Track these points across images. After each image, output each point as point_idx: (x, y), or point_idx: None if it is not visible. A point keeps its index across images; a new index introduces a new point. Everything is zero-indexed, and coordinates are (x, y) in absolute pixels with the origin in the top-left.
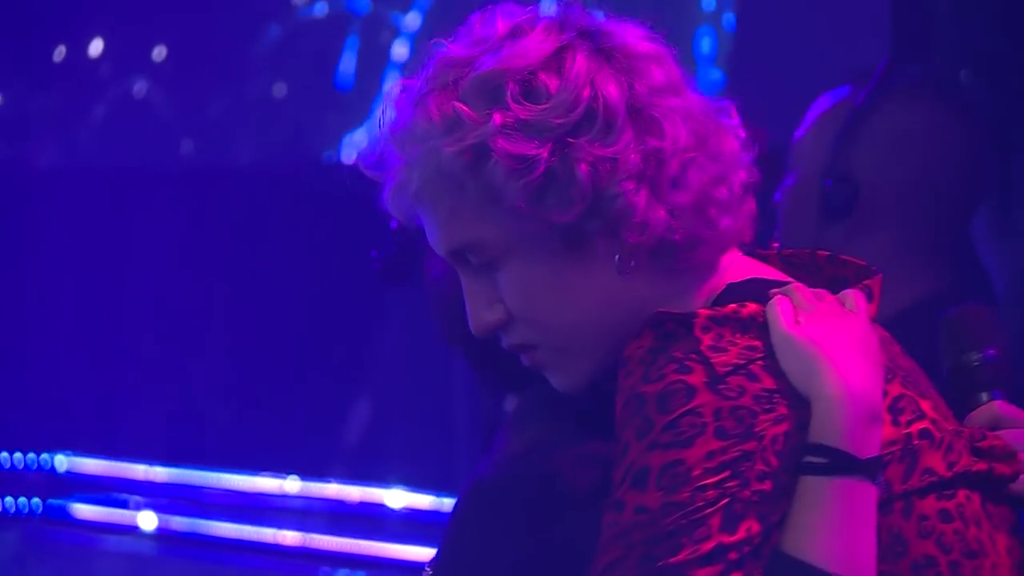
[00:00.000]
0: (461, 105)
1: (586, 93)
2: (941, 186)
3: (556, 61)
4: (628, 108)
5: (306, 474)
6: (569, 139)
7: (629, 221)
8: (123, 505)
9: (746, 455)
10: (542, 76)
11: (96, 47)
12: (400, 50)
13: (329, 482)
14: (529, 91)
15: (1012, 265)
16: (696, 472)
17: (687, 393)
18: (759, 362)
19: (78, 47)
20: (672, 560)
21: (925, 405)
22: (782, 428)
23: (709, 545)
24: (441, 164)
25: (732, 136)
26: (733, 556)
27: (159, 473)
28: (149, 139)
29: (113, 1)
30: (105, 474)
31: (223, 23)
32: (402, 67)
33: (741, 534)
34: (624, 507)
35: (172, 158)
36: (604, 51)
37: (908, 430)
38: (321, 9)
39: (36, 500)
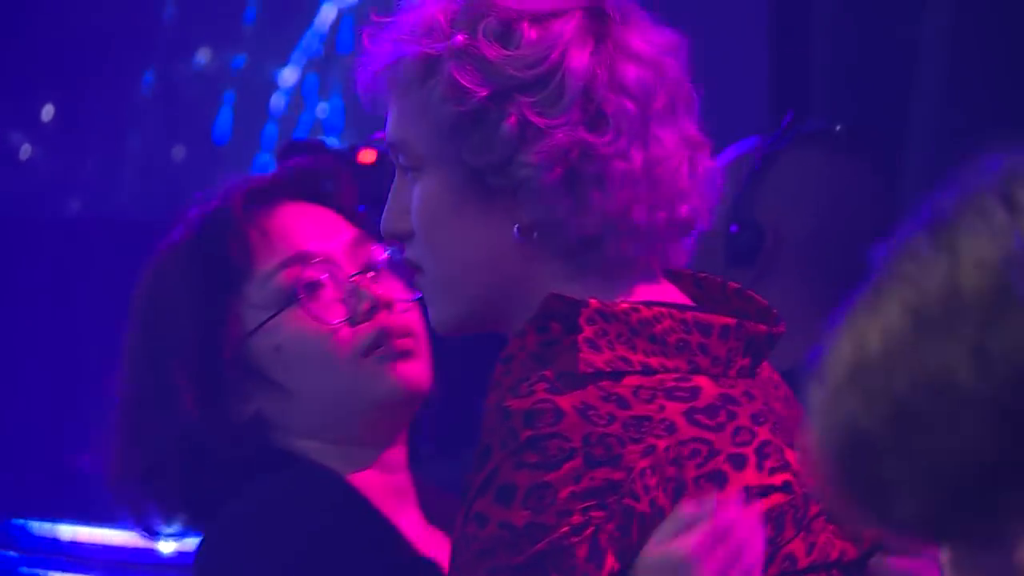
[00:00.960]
0: (441, 17)
1: (553, 57)
2: (843, 233)
3: (547, 17)
4: (584, 91)
5: None
6: (515, 93)
7: (530, 195)
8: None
9: (612, 485)
10: (524, 25)
11: None
12: (278, 103)
13: None
14: (504, 33)
15: None
16: (562, 495)
17: (555, 414)
18: (628, 378)
19: None
20: None
21: (791, 455)
22: (648, 461)
23: None
24: (402, 60)
25: (693, 172)
26: None
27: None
28: (32, 194)
29: None
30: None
31: (103, 79)
32: (278, 120)
33: (605, 570)
34: (487, 521)
35: (55, 212)
36: (600, 31)
37: (771, 480)
38: (199, 64)
39: None
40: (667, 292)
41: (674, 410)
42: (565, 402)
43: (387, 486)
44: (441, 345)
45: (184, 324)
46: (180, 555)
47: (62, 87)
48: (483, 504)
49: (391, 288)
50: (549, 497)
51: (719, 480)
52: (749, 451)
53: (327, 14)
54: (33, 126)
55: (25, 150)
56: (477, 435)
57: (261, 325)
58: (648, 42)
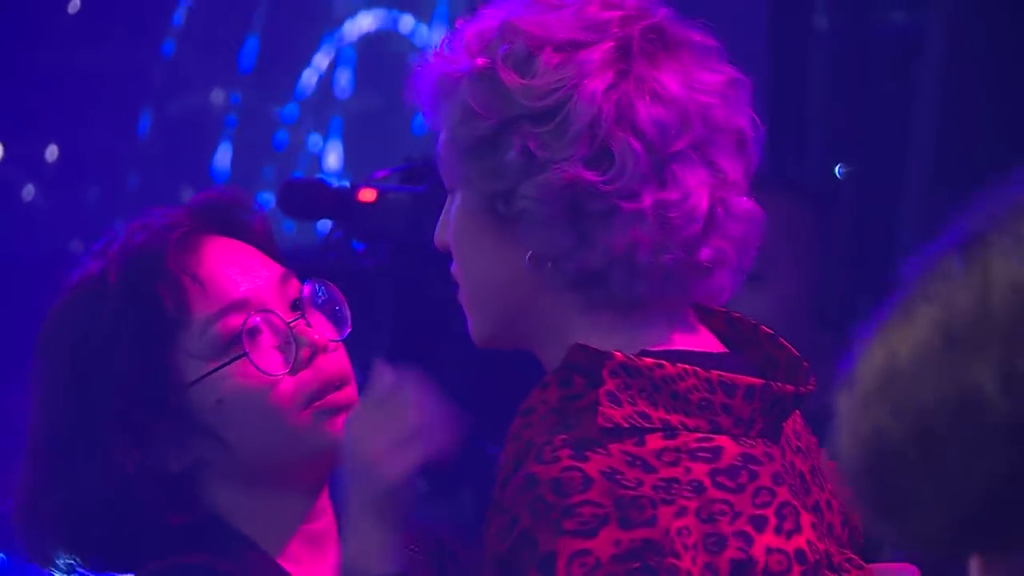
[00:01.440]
0: (474, 38)
1: (564, 90)
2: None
3: (574, 47)
4: (589, 127)
5: None
6: (523, 123)
7: (531, 227)
8: None
9: (652, 545)
10: (547, 52)
11: None
12: (279, 141)
13: None
14: (526, 59)
15: None
16: (605, 560)
17: (584, 481)
18: (651, 441)
19: None
20: None
21: (805, 520)
22: (683, 521)
23: None
24: (440, 76)
25: (727, 213)
26: None
27: None
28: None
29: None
30: None
31: (102, 117)
32: (278, 158)
33: None
34: None
35: (58, 251)
36: (626, 66)
37: (788, 544)
38: (199, 101)
39: None
40: (694, 336)
41: (699, 471)
42: (592, 468)
43: (309, 536)
44: (443, 383)
45: (119, 372)
46: None
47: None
48: (526, 572)
49: (321, 328)
50: (592, 563)
51: (745, 540)
52: (769, 512)
53: (321, 60)
54: (37, 166)
55: (28, 191)
56: (474, 476)
57: (204, 377)
58: (686, 80)
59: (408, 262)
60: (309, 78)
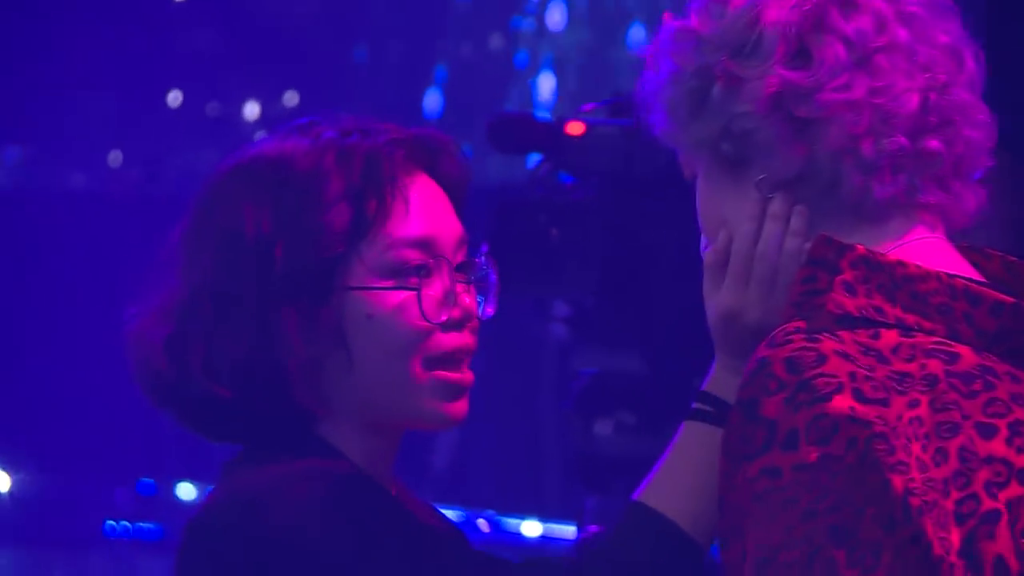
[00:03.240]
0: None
1: (752, 15)
2: None
3: None
4: (784, 37)
5: None
6: (721, 57)
7: (756, 149)
8: None
9: (883, 419)
10: None
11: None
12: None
13: None
14: (718, 6)
15: None
16: (841, 422)
17: (818, 358)
18: (886, 336)
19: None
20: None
21: None
22: (916, 412)
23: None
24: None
25: (947, 102)
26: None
27: None
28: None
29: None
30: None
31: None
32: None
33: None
34: (779, 472)
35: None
36: None
37: (1019, 458)
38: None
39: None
40: (949, 258)
41: (934, 367)
42: (825, 347)
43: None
44: (646, 323)
45: (302, 242)
46: None
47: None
48: (769, 458)
49: (473, 302)
50: (828, 428)
51: (967, 447)
52: (1002, 424)
53: None
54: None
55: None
56: (681, 413)
57: (368, 289)
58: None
59: (617, 196)
60: (523, 14)
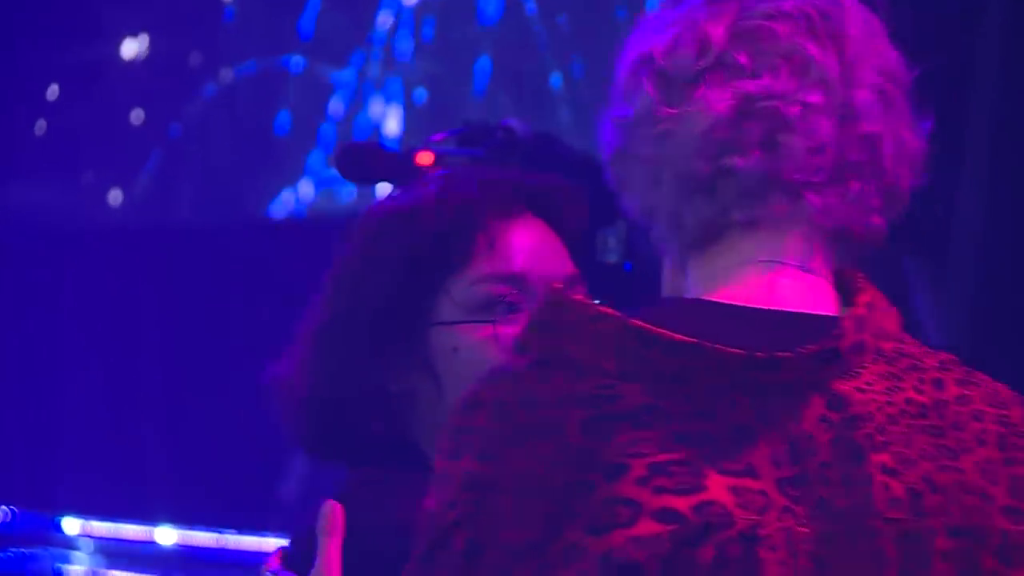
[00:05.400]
0: None
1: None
2: None
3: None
4: (619, 77)
5: (243, 528)
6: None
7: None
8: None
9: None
10: None
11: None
12: (336, 106)
13: (266, 536)
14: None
15: (948, 316)
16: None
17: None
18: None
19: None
20: None
21: (714, 482)
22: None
23: None
24: None
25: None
26: None
27: (96, 528)
28: (82, 196)
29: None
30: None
31: (160, 86)
32: (337, 123)
33: None
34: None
35: (107, 216)
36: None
37: (654, 501)
38: (255, 68)
39: None
40: (771, 287)
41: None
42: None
43: None
44: None
45: (393, 283)
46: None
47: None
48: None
49: None
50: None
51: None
52: (640, 464)
53: (385, 18)
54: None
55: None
56: None
57: (453, 324)
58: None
59: None
60: (369, 42)
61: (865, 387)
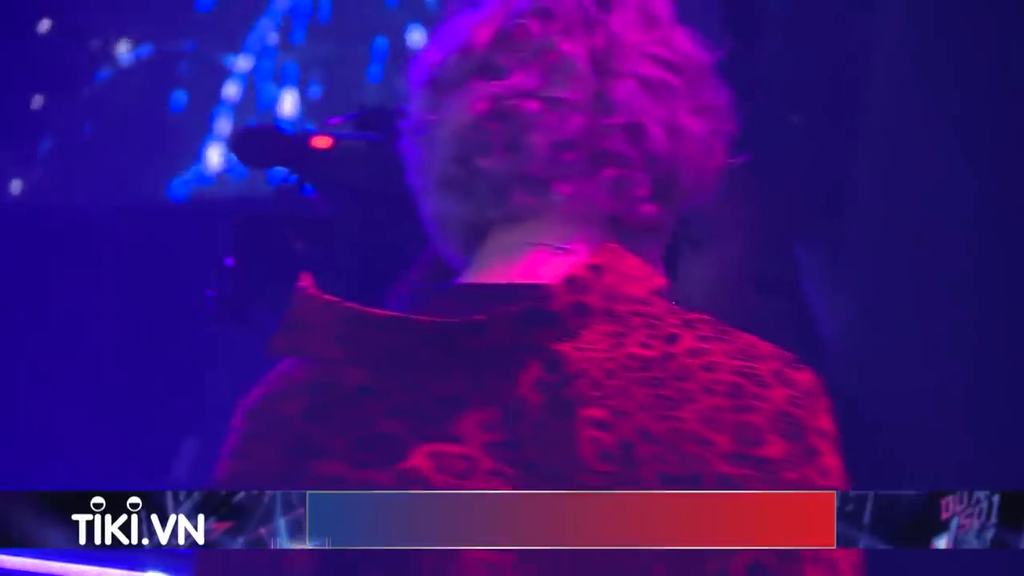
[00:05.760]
0: None
1: None
2: None
3: None
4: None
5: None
6: None
7: None
8: None
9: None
10: None
11: None
12: (231, 90)
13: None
14: None
15: (836, 300)
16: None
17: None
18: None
19: None
20: None
21: (419, 451)
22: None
23: None
24: None
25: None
26: None
27: None
28: None
29: None
30: None
31: (52, 67)
32: (232, 107)
33: None
34: None
35: (4, 199)
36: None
37: (354, 472)
38: (148, 52)
39: None
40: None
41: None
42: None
43: None
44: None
45: None
46: None
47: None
48: None
49: None
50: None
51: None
52: (346, 443)
53: (281, 1)
54: None
55: None
56: None
57: None
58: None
59: (362, 209)
60: (264, 25)
61: (585, 346)
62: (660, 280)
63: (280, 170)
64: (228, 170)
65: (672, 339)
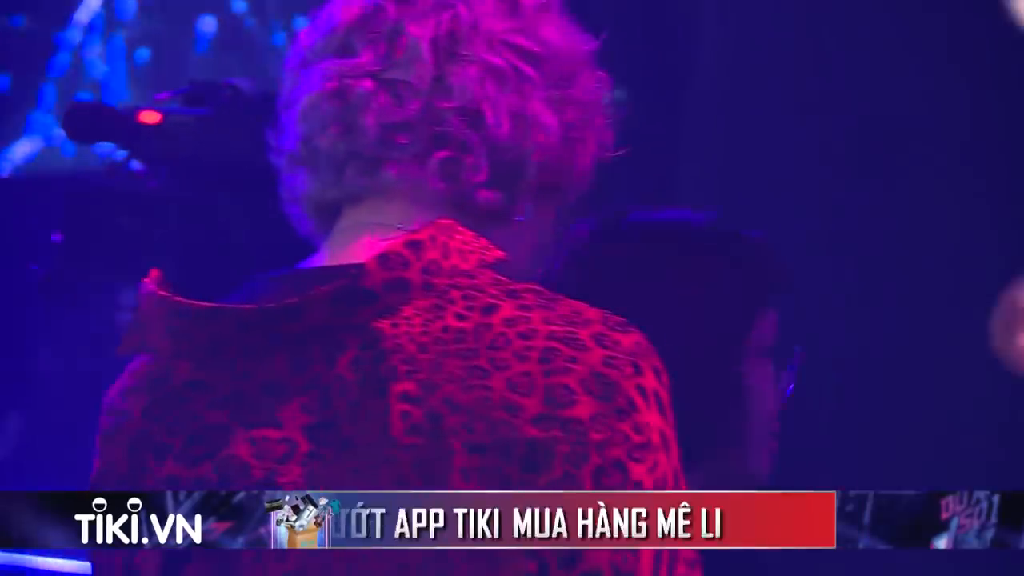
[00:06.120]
0: None
1: None
2: None
3: None
4: None
5: None
6: None
7: None
8: None
9: None
10: None
11: None
12: (57, 65)
13: None
14: None
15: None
16: None
17: None
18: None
19: None
20: None
21: (240, 438)
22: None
23: None
24: None
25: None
26: None
27: None
28: None
29: None
30: None
31: None
32: (58, 81)
33: None
34: None
35: None
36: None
37: (192, 469)
38: None
39: None
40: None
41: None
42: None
43: None
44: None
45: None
46: None
47: None
48: None
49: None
50: None
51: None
52: (178, 440)
53: None
54: None
55: None
56: None
57: None
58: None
59: (191, 185)
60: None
61: (401, 321)
62: (495, 253)
63: (108, 145)
64: (57, 144)
65: (490, 309)
